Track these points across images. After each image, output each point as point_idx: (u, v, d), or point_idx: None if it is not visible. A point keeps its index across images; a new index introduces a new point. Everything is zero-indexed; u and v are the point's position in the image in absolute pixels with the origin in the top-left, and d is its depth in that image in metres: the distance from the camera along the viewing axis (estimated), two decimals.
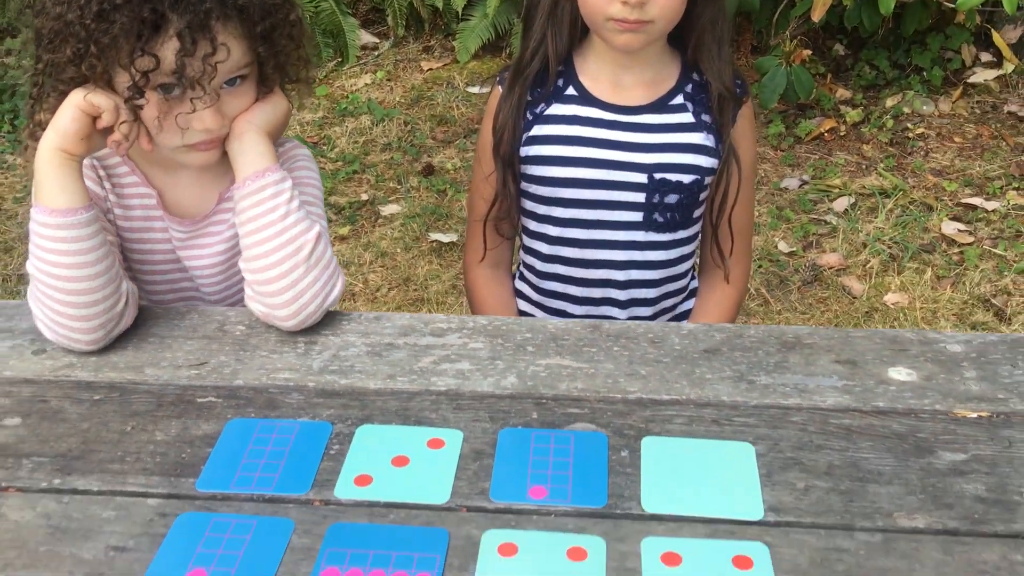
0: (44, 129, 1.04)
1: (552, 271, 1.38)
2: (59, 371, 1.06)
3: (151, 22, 1.00)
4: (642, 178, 1.29)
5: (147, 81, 1.01)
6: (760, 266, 2.53)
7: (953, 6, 2.76)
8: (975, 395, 0.99)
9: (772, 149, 3.04)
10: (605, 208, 1.31)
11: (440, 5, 3.59)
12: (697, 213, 1.35)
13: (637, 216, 1.31)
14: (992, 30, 3.10)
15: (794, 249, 2.60)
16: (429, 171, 3.02)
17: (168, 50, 1.01)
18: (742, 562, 0.82)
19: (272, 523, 0.86)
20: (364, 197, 2.91)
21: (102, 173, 1.15)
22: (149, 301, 1.22)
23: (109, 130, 1.05)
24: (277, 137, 1.14)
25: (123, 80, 1.03)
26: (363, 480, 0.91)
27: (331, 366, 1.06)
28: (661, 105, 1.29)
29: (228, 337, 1.11)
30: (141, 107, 1.04)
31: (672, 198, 1.30)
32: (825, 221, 2.71)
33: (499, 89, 1.33)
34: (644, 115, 1.29)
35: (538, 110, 1.31)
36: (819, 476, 0.90)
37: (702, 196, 1.32)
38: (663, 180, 1.28)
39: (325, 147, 3.14)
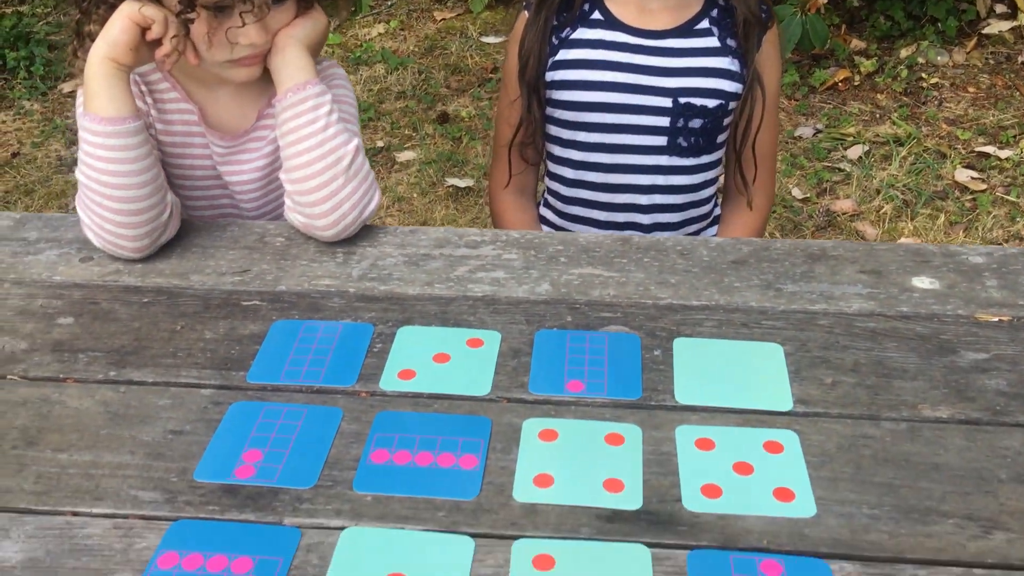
0: (92, 41, 1.06)
1: (576, 196, 1.40)
2: (107, 276, 1.09)
3: None
4: (667, 102, 1.31)
5: None
6: (774, 212, 2.55)
7: None
8: (996, 302, 1.02)
9: (786, 99, 3.05)
10: (629, 132, 1.33)
11: None
12: (721, 139, 1.37)
13: (661, 140, 1.33)
14: None
15: (808, 195, 2.62)
16: (444, 119, 3.03)
17: None
18: (773, 447, 0.85)
19: (322, 411, 0.90)
20: (380, 144, 2.92)
21: (144, 88, 1.18)
22: (190, 218, 1.25)
23: (157, 43, 1.07)
24: (317, 53, 1.17)
25: None
26: (406, 374, 0.95)
27: (370, 274, 1.09)
28: (687, 30, 1.31)
29: (269, 248, 1.14)
30: (191, 21, 1.07)
31: (696, 123, 1.32)
32: (839, 168, 2.73)
33: (525, 14, 1.35)
34: (669, 39, 1.31)
35: (563, 35, 1.33)
36: (845, 372, 0.93)
37: (726, 121, 1.35)
38: (688, 104, 1.31)
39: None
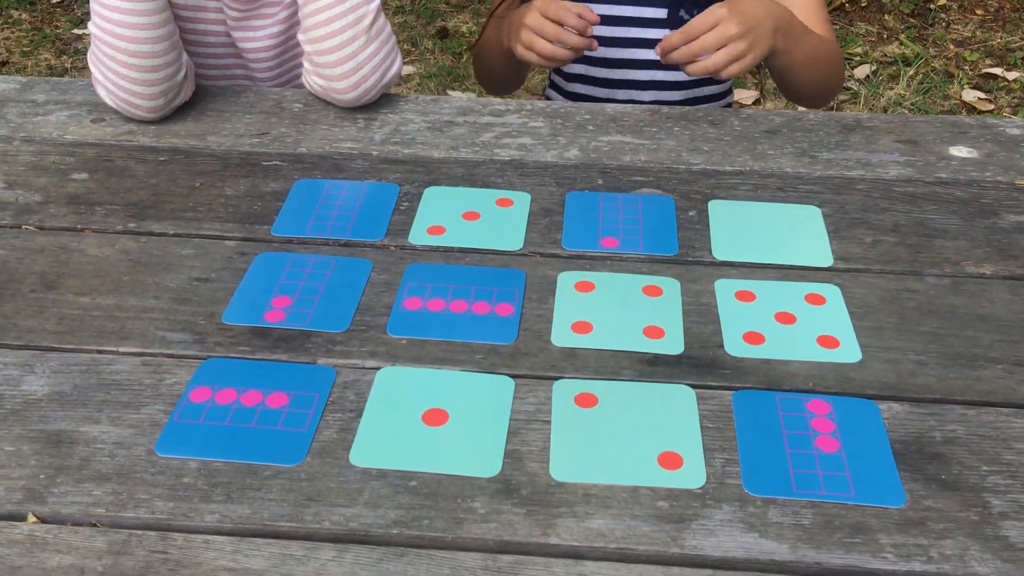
0: None
1: (575, 72, 1.34)
2: (120, 136, 1.05)
3: None
4: None
5: None
6: None
7: None
8: None
9: None
10: (629, 3, 1.25)
11: None
12: None
13: (661, 13, 1.25)
14: None
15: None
16: (444, 34, 2.97)
17: None
18: (815, 299, 0.84)
19: (351, 262, 0.88)
20: None
21: None
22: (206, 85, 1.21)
23: None
24: None
25: None
26: (436, 230, 0.92)
27: (393, 138, 1.06)
28: None
29: (287, 113, 1.10)
30: None
31: (696, 11, 1.20)
32: (846, 87, 2.69)
33: None
34: None
35: None
36: (886, 232, 0.91)
37: None
38: None
39: None
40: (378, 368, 0.76)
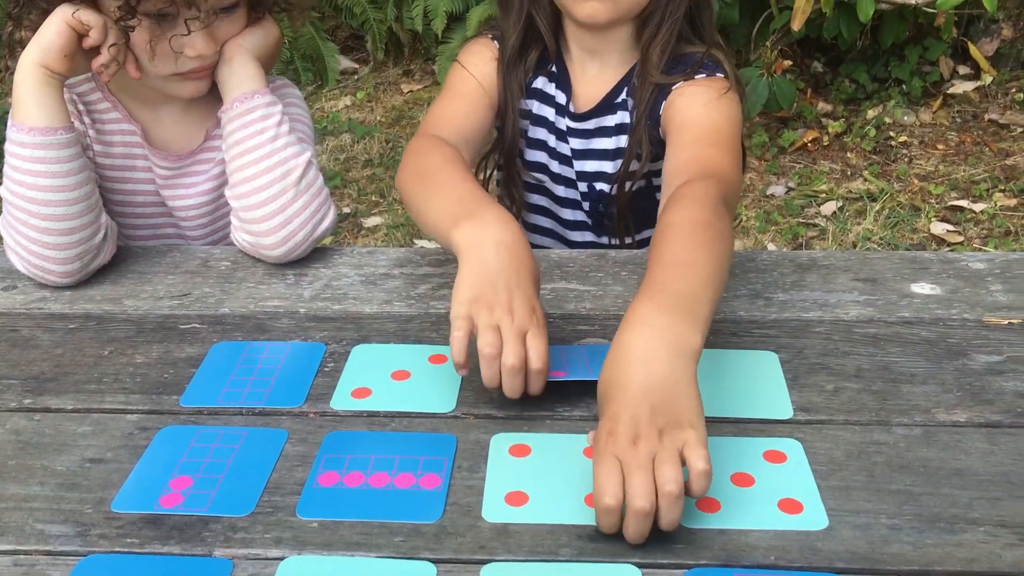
0: (24, 47, 0.98)
1: (528, 221, 1.29)
2: (31, 304, 0.99)
3: None
4: (584, 187, 1.19)
5: (139, 0, 0.96)
6: None
7: (932, 10, 2.79)
8: (1004, 305, 0.94)
9: (756, 159, 3.03)
10: (565, 206, 1.22)
11: (420, 29, 3.59)
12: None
13: (587, 219, 1.22)
14: (968, 43, 3.13)
15: (784, 250, 2.57)
16: None
17: None
18: (774, 456, 0.76)
19: (264, 433, 0.80)
20: (346, 210, 2.85)
21: (81, 108, 1.10)
22: (130, 246, 1.16)
23: (94, 53, 1.00)
24: (269, 65, 1.10)
25: (113, 0, 0.98)
26: (361, 392, 0.84)
27: (323, 294, 1.00)
28: (606, 105, 1.15)
29: (212, 272, 1.04)
30: (131, 29, 0.99)
31: (614, 211, 1.17)
32: (814, 224, 2.69)
33: (492, 44, 1.18)
34: (589, 120, 1.16)
35: (528, 81, 1.18)
36: (848, 379, 0.84)
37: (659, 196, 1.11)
38: (600, 192, 1.18)
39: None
40: (281, 558, 0.67)
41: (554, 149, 1.19)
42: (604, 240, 1.24)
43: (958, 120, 3.16)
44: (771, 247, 2.58)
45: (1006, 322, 0.92)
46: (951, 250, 2.52)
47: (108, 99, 1.11)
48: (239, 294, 1.00)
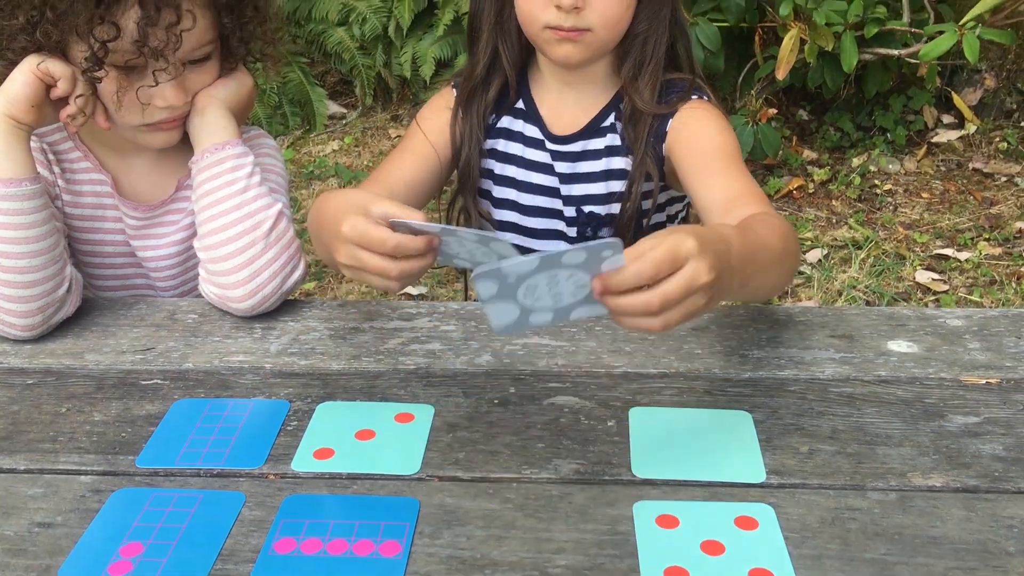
0: None
1: None
2: None
3: None
4: (572, 211, 1.19)
5: (106, 52, 0.95)
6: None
7: (916, 60, 2.81)
8: (981, 364, 0.93)
9: None
10: (542, 238, 1.21)
11: (408, 75, 3.61)
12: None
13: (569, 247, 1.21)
14: (952, 92, 3.16)
15: (769, 300, 2.56)
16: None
17: (130, 19, 0.95)
18: (746, 522, 0.73)
19: (220, 496, 0.77)
20: None
21: (51, 157, 1.08)
22: (98, 297, 1.14)
23: (62, 103, 0.99)
24: (243, 117, 1.09)
25: (80, 50, 0.97)
26: (323, 453, 0.82)
27: (290, 348, 0.98)
28: (592, 129, 1.17)
29: (178, 325, 1.02)
30: (99, 80, 0.98)
31: (605, 232, 1.18)
32: (799, 272, 2.68)
33: (451, 92, 1.21)
34: (575, 143, 1.17)
35: (490, 121, 1.19)
36: (823, 440, 0.82)
37: (646, 222, 1.17)
38: (591, 213, 1.18)
39: (291, 209, 3.09)
40: None
41: (524, 182, 1.19)
42: None
43: (942, 169, 3.18)
44: None
45: (983, 381, 0.90)
46: (934, 299, 2.52)
47: (79, 148, 1.10)
48: (204, 348, 0.98)
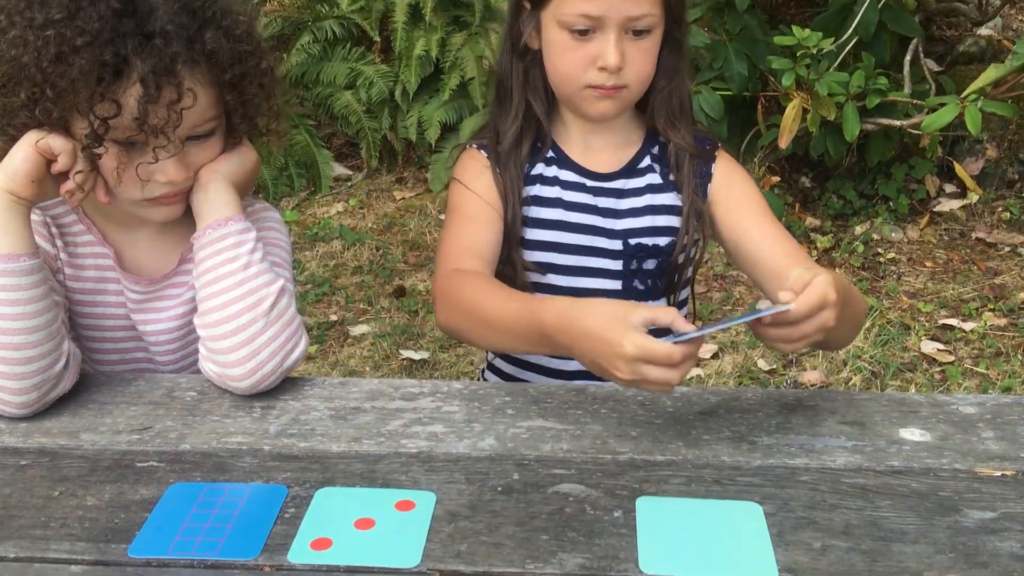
0: None
1: (531, 361, 1.29)
2: None
3: (113, 66, 0.95)
4: (618, 244, 1.23)
5: (106, 128, 0.95)
6: (740, 382, 2.46)
7: (918, 131, 2.83)
8: (996, 454, 0.91)
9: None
10: (584, 275, 1.24)
11: (413, 138, 3.64)
12: (684, 277, 1.28)
13: (616, 284, 1.24)
14: (954, 162, 3.18)
15: (774, 367, 2.54)
16: (401, 293, 2.96)
17: (130, 96, 0.95)
18: None
19: None
20: (333, 318, 2.83)
21: (54, 231, 1.08)
22: (96, 372, 1.12)
23: (63, 178, 0.98)
24: (246, 190, 1.08)
25: (81, 127, 0.97)
26: (321, 544, 0.80)
27: (290, 429, 0.96)
28: (630, 169, 1.25)
29: (177, 403, 1.01)
30: (99, 156, 0.98)
31: (650, 263, 1.24)
32: None
33: (475, 151, 1.25)
34: (616, 181, 1.25)
35: (526, 170, 1.25)
36: (836, 536, 0.80)
37: (682, 259, 1.26)
38: (639, 245, 1.23)
39: (294, 270, 3.08)
40: None
41: (565, 222, 1.23)
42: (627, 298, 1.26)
43: (945, 238, 3.18)
44: (762, 363, 2.55)
45: (999, 473, 0.88)
46: (940, 371, 2.49)
47: (83, 221, 1.09)
48: (202, 428, 0.96)
